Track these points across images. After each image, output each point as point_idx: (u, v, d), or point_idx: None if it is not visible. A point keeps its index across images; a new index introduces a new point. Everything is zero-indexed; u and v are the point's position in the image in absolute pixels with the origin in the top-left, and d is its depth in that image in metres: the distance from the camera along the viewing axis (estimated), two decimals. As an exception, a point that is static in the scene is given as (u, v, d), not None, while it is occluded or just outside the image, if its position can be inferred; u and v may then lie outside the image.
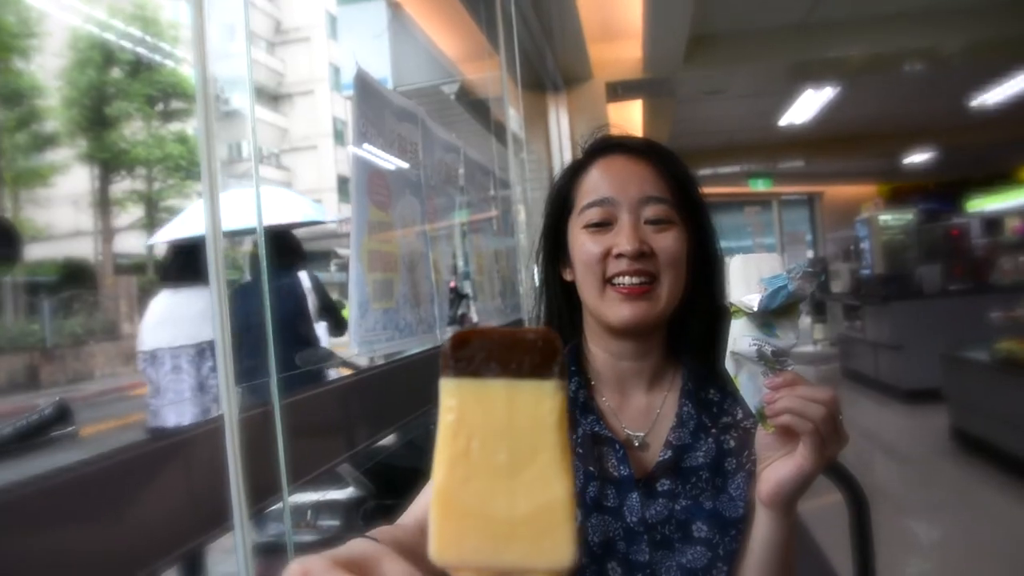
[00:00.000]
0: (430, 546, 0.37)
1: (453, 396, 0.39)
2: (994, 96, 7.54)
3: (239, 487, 0.99)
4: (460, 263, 3.85)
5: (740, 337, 0.76)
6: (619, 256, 0.85)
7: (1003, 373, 4.22)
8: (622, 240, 0.85)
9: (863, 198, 11.42)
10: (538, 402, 0.38)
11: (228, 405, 0.96)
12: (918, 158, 11.05)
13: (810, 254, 12.68)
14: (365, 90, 1.62)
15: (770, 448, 0.77)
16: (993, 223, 6.18)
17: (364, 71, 1.61)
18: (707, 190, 0.95)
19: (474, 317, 3.12)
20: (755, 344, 0.75)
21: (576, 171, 0.94)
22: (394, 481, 2.11)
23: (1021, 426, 4.06)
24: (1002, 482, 4.10)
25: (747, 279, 0.77)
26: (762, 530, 0.80)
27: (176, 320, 2.65)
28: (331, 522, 2.20)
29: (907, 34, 5.23)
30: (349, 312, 1.43)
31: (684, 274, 0.88)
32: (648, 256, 0.85)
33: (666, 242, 0.86)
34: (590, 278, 0.88)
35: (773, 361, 0.74)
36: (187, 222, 3.14)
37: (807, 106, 7.62)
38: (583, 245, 0.89)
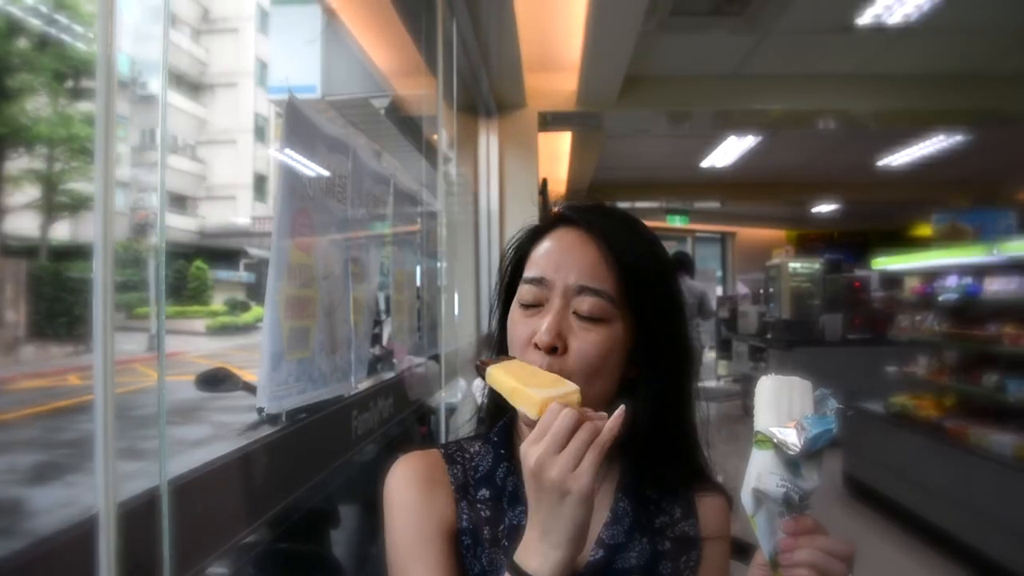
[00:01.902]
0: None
1: (493, 373, 0.79)
2: (898, 159, 8.03)
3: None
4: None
5: (767, 474, 0.69)
6: (536, 346, 0.80)
7: (894, 426, 4.42)
8: (542, 328, 0.80)
9: (772, 241, 11.95)
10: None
11: (106, 499, 0.75)
12: (825, 208, 11.72)
13: (719, 291, 13.08)
14: (296, 118, 1.48)
15: None
16: (894, 279, 6.49)
17: (295, 98, 1.48)
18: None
19: (385, 336, 2.96)
20: (783, 486, 0.68)
21: (536, 235, 0.89)
22: (291, 522, 1.94)
23: (907, 477, 4.25)
24: (888, 529, 4.28)
25: (777, 406, 0.70)
26: None
27: None
28: (219, 571, 2.02)
29: (825, 95, 5.49)
30: (260, 363, 1.31)
31: (611, 373, 0.83)
32: (561, 354, 0.80)
33: (585, 343, 0.80)
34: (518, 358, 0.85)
35: (799, 506, 0.69)
36: None
37: (729, 151, 7.84)
38: (514, 324, 0.85)
